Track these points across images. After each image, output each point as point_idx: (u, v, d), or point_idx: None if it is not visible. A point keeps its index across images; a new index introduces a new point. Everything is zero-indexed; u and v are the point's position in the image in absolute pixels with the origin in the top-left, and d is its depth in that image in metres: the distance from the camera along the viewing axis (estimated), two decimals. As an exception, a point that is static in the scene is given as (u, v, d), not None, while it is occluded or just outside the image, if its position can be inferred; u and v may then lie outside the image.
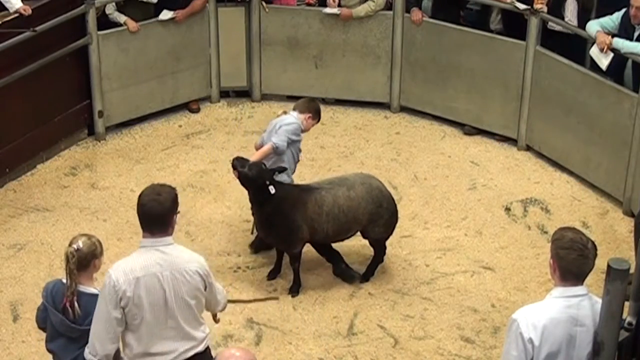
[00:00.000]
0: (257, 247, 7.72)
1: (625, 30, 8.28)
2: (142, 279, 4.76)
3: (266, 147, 7.25)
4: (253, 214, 7.23)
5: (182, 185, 8.61)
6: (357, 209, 7.08)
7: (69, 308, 5.08)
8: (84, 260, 5.09)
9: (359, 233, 7.34)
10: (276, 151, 7.23)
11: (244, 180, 7.03)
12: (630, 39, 8.20)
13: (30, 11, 8.44)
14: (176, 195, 4.90)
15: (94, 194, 8.52)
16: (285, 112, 7.59)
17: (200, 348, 5.01)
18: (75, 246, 5.08)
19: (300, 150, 7.52)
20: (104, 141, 9.37)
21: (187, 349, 4.95)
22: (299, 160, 7.56)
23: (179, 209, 4.91)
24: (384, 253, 7.44)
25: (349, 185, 7.15)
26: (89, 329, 4.92)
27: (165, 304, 4.81)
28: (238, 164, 7.03)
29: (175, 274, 4.81)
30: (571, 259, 4.22)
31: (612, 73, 8.36)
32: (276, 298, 7.17)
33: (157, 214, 4.76)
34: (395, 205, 7.32)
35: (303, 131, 7.43)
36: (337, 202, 7.06)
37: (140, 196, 4.82)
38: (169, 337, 4.90)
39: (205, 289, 4.93)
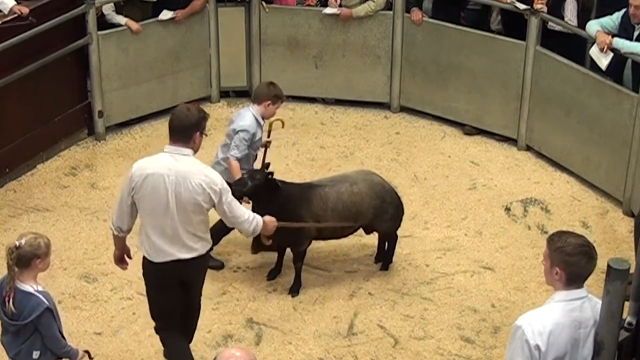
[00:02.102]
0: (257, 247, 7.71)
1: (625, 30, 8.28)
2: (150, 176, 5.53)
3: (232, 164, 7.13)
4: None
5: (182, 185, 8.60)
6: (362, 204, 7.10)
7: (6, 302, 5.17)
8: (24, 258, 5.15)
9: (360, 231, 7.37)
10: (239, 160, 7.17)
11: (256, 190, 6.83)
12: (630, 39, 8.20)
13: (27, 10, 8.42)
14: (205, 117, 5.67)
15: (94, 194, 8.53)
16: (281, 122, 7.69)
17: (193, 255, 5.70)
18: (17, 242, 5.15)
19: (259, 146, 7.37)
20: (104, 141, 9.37)
21: (180, 254, 5.66)
22: (256, 155, 7.41)
23: (205, 132, 5.67)
24: (396, 241, 7.48)
25: (351, 181, 7.16)
26: (24, 325, 5.18)
27: (167, 204, 5.53)
28: (239, 187, 6.79)
29: (179, 180, 5.51)
30: (583, 264, 4.20)
31: (612, 73, 8.36)
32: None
33: (181, 125, 5.55)
34: (399, 198, 7.35)
35: (266, 118, 7.30)
36: (341, 198, 7.07)
37: (173, 110, 5.69)
38: (167, 235, 5.61)
39: (213, 204, 5.58)
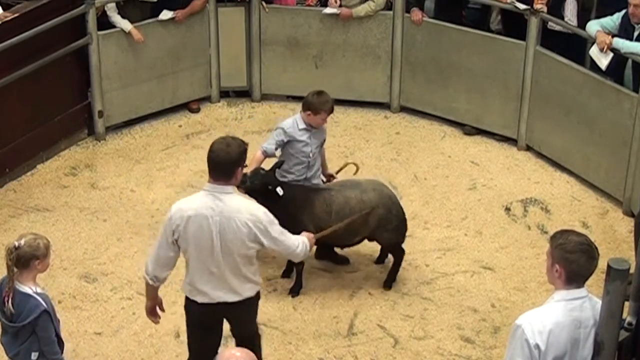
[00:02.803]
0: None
1: (625, 31, 8.28)
2: (192, 217, 5.21)
3: (257, 154, 7.20)
4: None
5: (182, 185, 8.61)
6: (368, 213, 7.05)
7: (5, 302, 5.16)
8: (23, 259, 5.14)
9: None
10: (266, 155, 7.21)
11: (250, 192, 6.91)
12: (630, 39, 8.20)
13: (12, 16, 8.41)
14: (245, 150, 5.31)
15: (94, 194, 8.52)
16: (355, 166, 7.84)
17: (240, 298, 5.41)
18: (16, 243, 5.14)
19: (307, 153, 7.24)
20: (104, 141, 9.36)
21: (226, 297, 5.38)
22: (309, 162, 7.27)
23: (246, 163, 5.38)
24: (402, 257, 7.38)
25: (361, 189, 7.11)
26: (22, 327, 5.15)
27: (212, 247, 5.22)
28: (240, 182, 6.96)
29: (224, 220, 5.19)
30: (582, 262, 4.20)
31: (612, 73, 8.36)
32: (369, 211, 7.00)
33: (223, 162, 5.21)
34: (404, 214, 7.26)
35: (313, 127, 7.22)
36: (349, 203, 7.02)
37: (212, 144, 5.31)
38: (213, 278, 5.31)
39: (259, 243, 5.26)
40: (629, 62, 8.31)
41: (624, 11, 8.31)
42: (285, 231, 5.48)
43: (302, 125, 7.22)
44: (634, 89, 8.14)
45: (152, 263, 5.41)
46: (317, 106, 7.18)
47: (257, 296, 5.59)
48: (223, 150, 5.23)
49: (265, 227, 5.26)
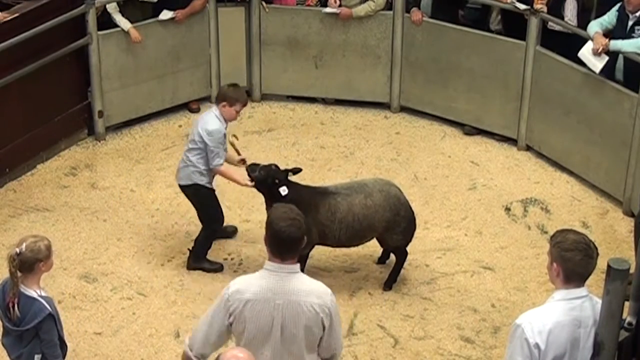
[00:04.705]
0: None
1: (621, 21, 8.30)
2: (251, 301, 4.54)
3: (222, 171, 7.24)
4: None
5: (182, 185, 8.60)
6: (374, 217, 7.01)
7: (10, 308, 5.16)
8: (26, 264, 5.15)
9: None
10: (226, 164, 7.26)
11: (257, 183, 7.02)
12: (625, 28, 8.21)
13: (7, 17, 8.40)
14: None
15: (94, 194, 8.52)
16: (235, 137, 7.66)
17: None
18: (17, 249, 5.13)
19: (224, 143, 7.36)
20: (104, 141, 9.36)
21: None
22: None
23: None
24: (405, 259, 7.37)
25: (367, 192, 7.05)
26: (27, 330, 5.15)
27: (270, 333, 4.56)
28: (251, 170, 7.06)
29: (287, 305, 4.54)
30: (577, 260, 4.20)
31: (605, 70, 8.35)
32: None
33: (296, 239, 4.50)
34: (413, 213, 7.24)
35: (227, 119, 7.27)
36: (353, 210, 6.98)
37: (272, 222, 4.50)
38: None
39: (324, 329, 4.61)
40: (620, 61, 8.35)
41: (619, 4, 8.31)
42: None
43: (223, 122, 7.25)
44: (633, 88, 8.14)
45: (201, 341, 4.64)
46: (233, 97, 7.23)
47: None
48: (293, 225, 4.48)
49: (330, 312, 4.60)
